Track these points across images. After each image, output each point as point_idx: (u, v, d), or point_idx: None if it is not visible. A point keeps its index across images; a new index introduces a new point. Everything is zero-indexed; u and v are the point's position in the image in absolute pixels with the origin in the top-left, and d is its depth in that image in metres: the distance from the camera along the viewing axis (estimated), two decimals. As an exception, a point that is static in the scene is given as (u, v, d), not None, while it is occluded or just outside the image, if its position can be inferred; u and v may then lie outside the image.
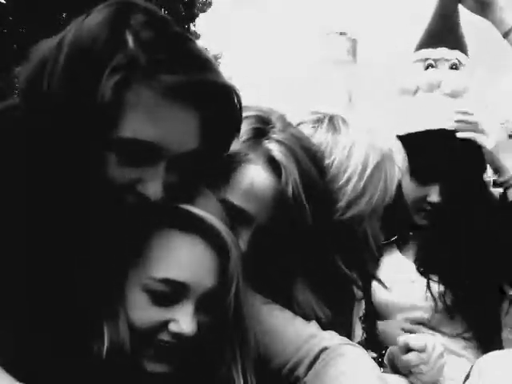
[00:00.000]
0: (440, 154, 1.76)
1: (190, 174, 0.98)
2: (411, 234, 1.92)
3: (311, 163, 1.24)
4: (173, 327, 0.94)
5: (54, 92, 0.88)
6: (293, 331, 1.13)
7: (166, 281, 0.94)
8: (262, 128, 1.24)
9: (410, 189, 1.80)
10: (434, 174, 1.77)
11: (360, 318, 1.55)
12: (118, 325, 0.93)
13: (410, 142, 1.79)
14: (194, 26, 19.84)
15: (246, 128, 1.19)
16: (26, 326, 0.89)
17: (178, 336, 0.95)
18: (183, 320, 0.94)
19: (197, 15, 19.88)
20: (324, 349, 1.09)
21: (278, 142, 1.22)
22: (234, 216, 1.12)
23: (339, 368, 1.04)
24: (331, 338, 1.13)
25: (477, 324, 1.77)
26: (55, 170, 0.90)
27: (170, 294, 0.95)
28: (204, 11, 20.29)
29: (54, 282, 0.90)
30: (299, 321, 1.17)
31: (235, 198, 1.18)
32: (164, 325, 0.95)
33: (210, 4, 20.42)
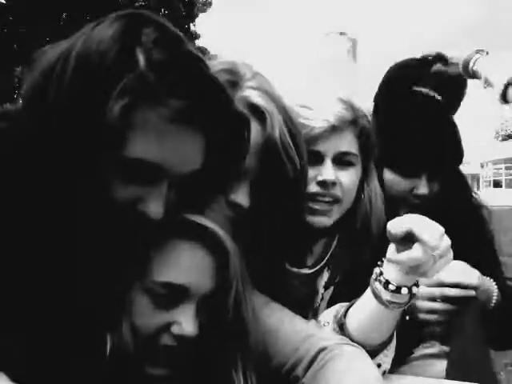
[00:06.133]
0: (425, 139, 1.64)
1: (193, 192, 0.98)
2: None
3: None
4: (175, 329, 0.96)
5: (59, 104, 0.86)
6: (292, 331, 1.13)
7: (166, 284, 0.96)
8: (233, 80, 1.19)
9: (392, 183, 1.68)
10: (420, 164, 1.64)
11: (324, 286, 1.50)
12: (122, 329, 0.95)
13: (389, 132, 1.69)
14: (194, 25, 19.89)
15: None
16: (29, 332, 0.89)
17: (180, 338, 0.96)
18: (185, 322, 0.96)
19: (197, 15, 19.92)
20: (322, 349, 1.09)
21: (252, 88, 1.19)
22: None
23: (337, 368, 1.04)
24: (329, 337, 1.14)
25: None
26: (55, 180, 0.89)
27: (171, 296, 0.97)
28: (204, 11, 20.33)
29: (57, 288, 0.90)
30: (298, 320, 1.17)
31: None
32: (166, 327, 0.97)
33: (210, 4, 20.45)
